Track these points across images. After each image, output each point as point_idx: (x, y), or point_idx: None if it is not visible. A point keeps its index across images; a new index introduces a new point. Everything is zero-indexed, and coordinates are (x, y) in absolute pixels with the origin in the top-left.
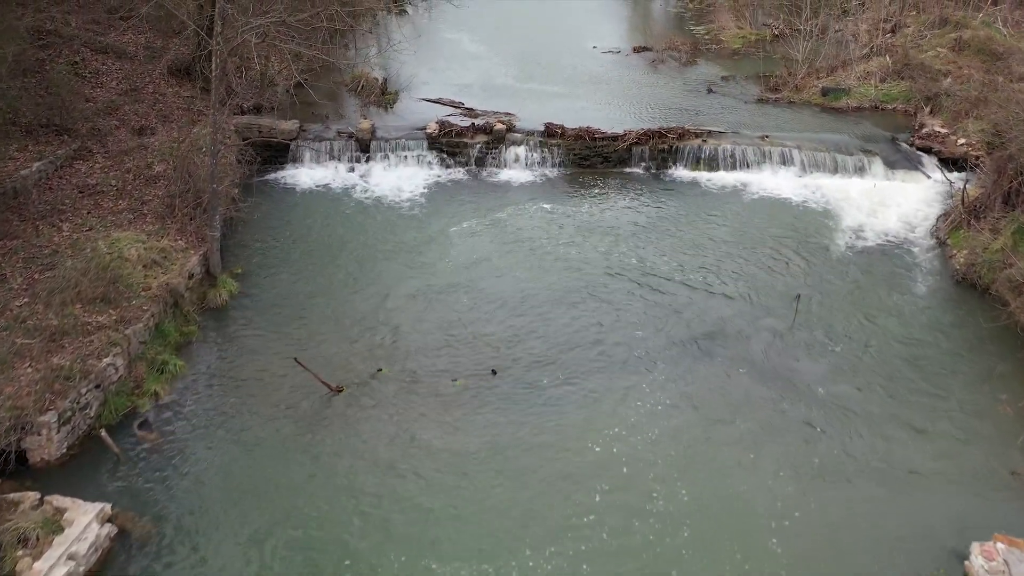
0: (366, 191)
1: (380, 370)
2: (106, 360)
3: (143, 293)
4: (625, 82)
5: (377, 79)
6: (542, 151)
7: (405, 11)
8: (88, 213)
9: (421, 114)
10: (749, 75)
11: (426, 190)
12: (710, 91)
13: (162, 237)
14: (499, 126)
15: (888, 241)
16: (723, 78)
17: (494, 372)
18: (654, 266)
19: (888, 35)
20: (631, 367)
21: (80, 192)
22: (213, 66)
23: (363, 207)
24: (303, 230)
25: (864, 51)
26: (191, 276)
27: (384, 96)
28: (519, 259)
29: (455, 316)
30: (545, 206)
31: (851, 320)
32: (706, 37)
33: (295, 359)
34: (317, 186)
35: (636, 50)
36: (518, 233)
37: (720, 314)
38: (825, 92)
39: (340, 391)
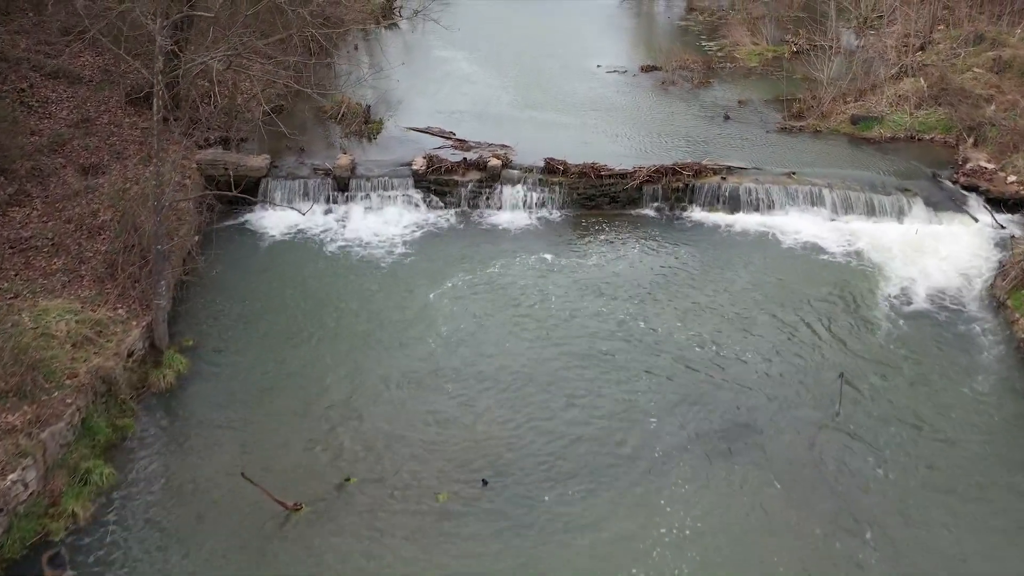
0: (343, 240)
1: (348, 479)
2: (12, 476)
3: (68, 382)
4: (633, 107)
5: (360, 104)
6: (542, 190)
7: (396, 25)
8: (16, 275)
9: (408, 146)
10: (769, 99)
11: (411, 239)
12: (727, 118)
13: (99, 306)
14: (494, 161)
15: (938, 301)
16: (740, 102)
17: (485, 482)
18: (669, 335)
19: (918, 52)
20: (645, 471)
21: (11, 247)
22: (154, 108)
23: (337, 262)
24: (267, 291)
25: (893, 70)
26: (131, 354)
27: (367, 125)
28: (514, 330)
29: (439, 408)
30: (545, 257)
31: (904, 411)
32: (719, 54)
33: (242, 474)
34: (288, 233)
35: (644, 70)
36: (514, 295)
37: (748, 399)
38: (855, 120)
39: (298, 509)
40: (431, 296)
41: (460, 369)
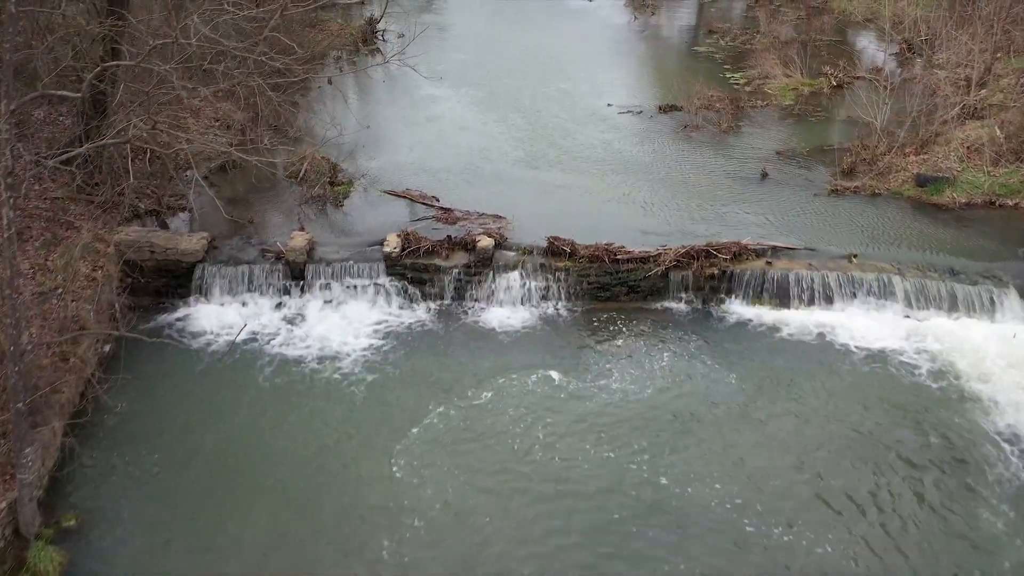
0: (292, 350)
1: None
2: None
3: None
4: (651, 162)
5: (327, 160)
6: (544, 278)
7: (378, 50)
8: None
9: (381, 215)
10: (812, 148)
11: (378, 348)
12: (765, 176)
13: None
14: (484, 241)
15: None
16: (778, 154)
17: None
18: (708, 503)
19: (979, 88)
20: None
21: None
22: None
23: (280, 389)
24: (188, 433)
25: (953, 111)
26: None
27: (333, 187)
28: (507, 501)
29: None
30: (550, 376)
31: None
32: (747, 89)
33: None
34: (224, 338)
35: (662, 110)
36: (508, 446)
37: None
38: (922, 182)
39: None
40: (396, 450)
41: None
